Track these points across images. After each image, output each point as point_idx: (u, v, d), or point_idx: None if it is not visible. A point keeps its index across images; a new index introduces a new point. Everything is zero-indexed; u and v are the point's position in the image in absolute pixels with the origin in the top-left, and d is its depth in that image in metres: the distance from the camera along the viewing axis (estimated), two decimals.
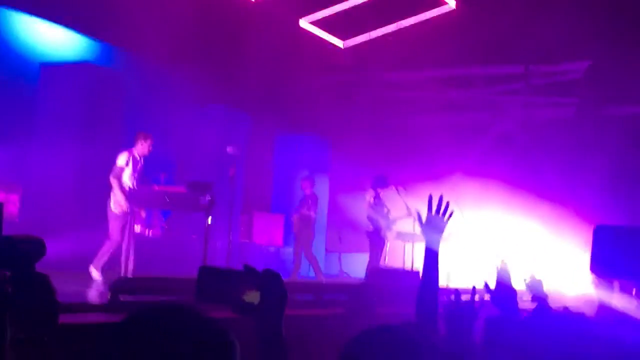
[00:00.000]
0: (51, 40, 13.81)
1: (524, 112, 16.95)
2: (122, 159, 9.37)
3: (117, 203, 9.25)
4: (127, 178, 9.40)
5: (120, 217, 9.28)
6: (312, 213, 13.36)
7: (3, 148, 11.04)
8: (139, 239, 12.02)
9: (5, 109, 12.54)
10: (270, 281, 1.96)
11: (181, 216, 14.07)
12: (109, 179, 9.30)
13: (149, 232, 13.63)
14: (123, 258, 9.35)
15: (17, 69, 13.05)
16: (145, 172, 12.97)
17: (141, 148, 9.56)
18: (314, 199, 13.53)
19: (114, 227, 9.28)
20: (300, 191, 13.79)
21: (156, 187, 11.69)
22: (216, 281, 1.96)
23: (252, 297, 1.93)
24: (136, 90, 14.14)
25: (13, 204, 11.89)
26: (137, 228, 13.13)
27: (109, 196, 9.37)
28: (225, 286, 1.95)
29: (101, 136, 10.39)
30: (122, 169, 9.33)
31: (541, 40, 14.43)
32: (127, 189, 9.39)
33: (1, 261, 2.31)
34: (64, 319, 5.02)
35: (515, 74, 16.86)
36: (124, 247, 9.35)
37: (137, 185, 9.57)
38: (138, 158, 9.57)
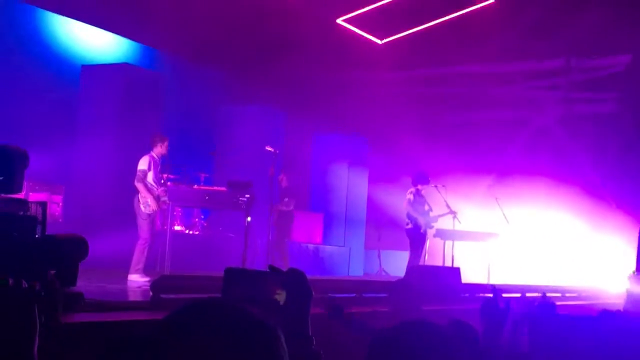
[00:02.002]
0: (91, 42, 13.99)
1: (563, 107, 16.74)
2: (144, 163, 9.64)
3: (145, 204, 9.47)
4: (152, 180, 9.63)
5: (150, 216, 9.50)
6: (289, 207, 13.13)
7: (46, 149, 11.20)
8: (178, 237, 12.16)
9: (48, 111, 12.73)
10: (295, 280, 1.96)
11: (221, 215, 14.16)
12: (133, 184, 9.53)
13: (188, 230, 13.73)
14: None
15: (58, 71, 13.25)
16: (185, 172, 13.13)
17: (159, 150, 9.85)
18: (291, 192, 13.31)
19: (143, 226, 9.52)
20: (278, 185, 13.47)
21: (196, 187, 11.81)
22: (242, 282, 1.98)
23: (279, 296, 1.94)
24: (174, 91, 14.26)
25: (56, 205, 12.09)
26: (177, 227, 13.28)
27: (136, 199, 9.57)
28: (250, 286, 1.97)
29: (140, 136, 10.51)
30: (145, 173, 9.60)
31: (581, 34, 14.24)
32: (153, 190, 9.60)
33: (46, 260, 2.35)
34: (107, 317, 5.09)
35: (556, 69, 16.64)
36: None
37: (158, 184, 9.82)
38: (157, 160, 9.82)
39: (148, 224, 9.54)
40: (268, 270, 2.00)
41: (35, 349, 1.96)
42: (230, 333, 1.29)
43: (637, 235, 8.02)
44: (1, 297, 1.91)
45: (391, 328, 1.87)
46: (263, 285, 1.96)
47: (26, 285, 2.06)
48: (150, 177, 9.62)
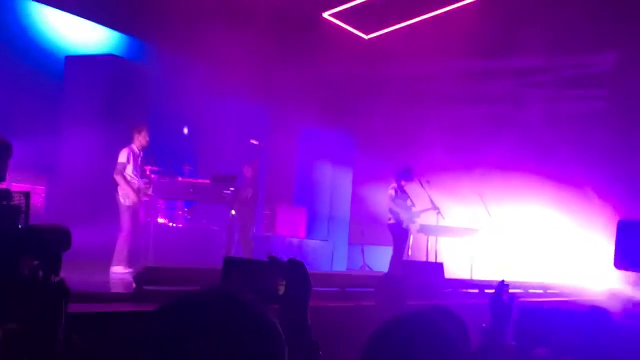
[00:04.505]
0: (76, 32, 13.88)
1: (548, 104, 16.80)
2: (122, 156, 9.68)
3: (125, 196, 9.47)
4: (131, 172, 9.68)
5: (130, 208, 9.52)
6: (247, 195, 12.70)
7: (29, 140, 11.11)
8: (161, 229, 12.11)
9: (31, 102, 12.64)
10: (294, 270, 1.96)
11: (204, 207, 14.12)
12: (112, 177, 9.53)
13: (171, 223, 13.68)
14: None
15: (42, 62, 13.14)
16: (169, 164, 13.07)
17: (139, 141, 9.84)
18: (255, 182, 12.93)
19: (125, 218, 9.55)
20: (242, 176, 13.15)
21: (180, 179, 11.77)
22: (241, 271, 1.98)
23: (279, 286, 1.94)
24: (160, 83, 14.19)
25: (39, 195, 12.01)
26: (160, 219, 13.22)
27: (115, 191, 9.60)
28: (250, 276, 1.97)
29: (125, 128, 10.46)
30: (124, 165, 9.66)
31: (568, 31, 14.30)
32: (133, 182, 9.63)
33: (29, 250, 2.34)
34: (89, 308, 5.06)
35: (541, 66, 16.70)
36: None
37: (138, 177, 9.85)
38: (138, 152, 9.84)
39: (129, 216, 9.55)
40: (267, 260, 1.99)
41: (61, 336, 2.04)
42: (232, 323, 1.29)
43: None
44: (32, 289, 2.03)
45: (389, 321, 1.87)
46: (263, 275, 1.96)
47: (55, 279, 2.12)
48: (129, 169, 9.65)
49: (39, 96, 12.85)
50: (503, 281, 2.67)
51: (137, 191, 9.66)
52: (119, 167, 9.58)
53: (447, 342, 1.82)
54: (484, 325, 2.58)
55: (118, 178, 9.56)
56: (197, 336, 1.26)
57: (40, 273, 2.07)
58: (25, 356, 2.03)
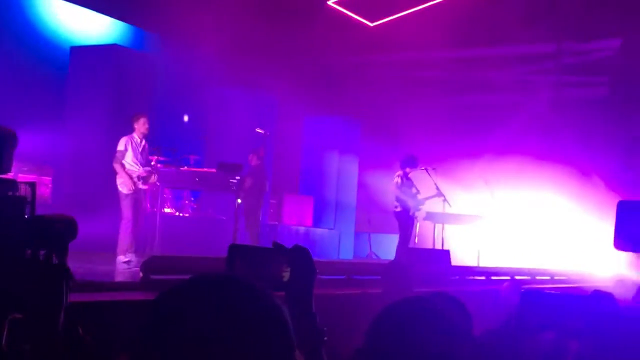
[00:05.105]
0: (80, 23, 13.88)
1: (554, 91, 16.75)
2: (121, 144, 9.68)
3: (123, 185, 9.51)
4: (131, 160, 9.64)
5: (129, 196, 9.55)
6: (247, 185, 12.50)
7: (35, 131, 11.13)
8: (168, 219, 12.13)
9: (36, 92, 12.66)
10: (299, 257, 1.96)
11: (211, 197, 14.14)
12: (112, 166, 9.56)
13: (178, 212, 13.70)
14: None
15: (47, 52, 13.16)
16: (175, 154, 13.07)
17: (138, 129, 9.82)
18: (260, 170, 12.84)
19: (124, 206, 9.59)
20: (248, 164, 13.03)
21: (186, 168, 11.77)
22: (246, 258, 1.98)
23: (284, 273, 1.95)
24: (165, 73, 14.19)
25: (45, 186, 12.04)
26: (167, 209, 13.24)
27: (114, 180, 9.65)
28: (254, 263, 1.97)
29: (130, 118, 10.46)
30: (122, 153, 9.65)
31: (572, 17, 14.23)
32: (133, 170, 9.64)
33: (36, 240, 2.35)
34: (97, 297, 5.09)
35: (546, 53, 16.64)
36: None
37: (142, 165, 9.81)
38: (138, 140, 9.81)
39: (128, 204, 9.56)
40: (272, 247, 2.00)
41: (61, 321, 2.05)
42: (240, 307, 1.29)
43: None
44: (33, 271, 2.05)
45: (389, 306, 1.88)
46: (267, 261, 1.97)
47: (56, 262, 2.14)
48: (129, 157, 9.64)
49: (44, 87, 12.88)
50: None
51: (138, 179, 9.66)
52: (117, 155, 9.62)
53: (449, 325, 1.83)
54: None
55: (116, 166, 9.60)
56: (202, 321, 1.26)
57: (41, 255, 2.08)
58: (26, 344, 2.05)
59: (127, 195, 9.55)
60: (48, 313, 2.04)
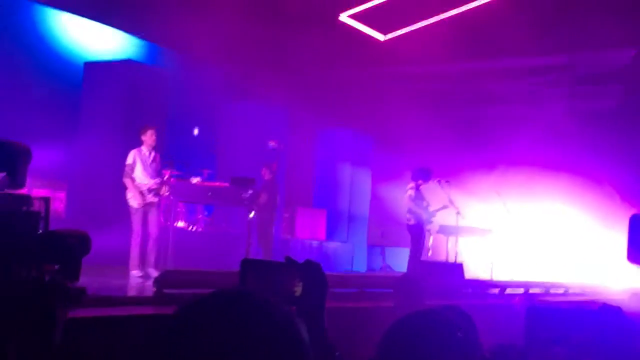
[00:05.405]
0: (94, 39, 13.98)
1: (567, 102, 16.71)
2: (129, 158, 9.71)
3: (132, 198, 9.52)
4: (140, 173, 9.64)
5: (138, 210, 9.56)
6: (263, 200, 12.44)
7: (49, 146, 11.20)
8: (181, 233, 12.16)
9: (51, 108, 12.73)
10: (311, 272, 1.97)
11: (226, 212, 14.16)
12: (122, 180, 9.59)
13: (191, 227, 13.73)
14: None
15: (61, 68, 13.24)
16: (189, 168, 13.11)
17: (146, 142, 9.81)
18: (272, 184, 12.81)
19: (134, 221, 9.61)
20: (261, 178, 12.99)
21: (199, 181, 11.79)
22: (258, 273, 1.99)
23: (296, 287, 1.96)
24: (178, 88, 14.25)
25: (60, 201, 12.11)
26: (181, 223, 13.27)
27: (124, 194, 9.67)
28: (267, 278, 1.98)
29: (138, 131, 10.49)
30: (130, 167, 9.67)
31: (584, 28, 14.20)
32: (142, 183, 9.64)
33: (49, 255, 2.36)
34: (110, 312, 5.10)
35: (559, 64, 16.60)
36: (153, 238, 9.60)
37: (152, 177, 9.78)
38: (147, 152, 9.80)
39: (138, 217, 9.58)
40: (284, 261, 2.01)
41: (56, 337, 2.04)
42: (258, 324, 1.29)
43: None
44: (24, 289, 2.03)
45: (399, 319, 1.90)
46: (279, 276, 1.98)
47: (47, 279, 2.13)
48: (138, 170, 9.65)
49: (58, 102, 12.95)
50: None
51: (149, 191, 9.65)
52: (126, 169, 9.65)
53: (459, 338, 1.84)
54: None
55: (125, 180, 9.62)
56: (220, 336, 1.26)
57: (34, 273, 2.07)
58: None
59: (137, 209, 9.57)
60: (41, 330, 2.03)
